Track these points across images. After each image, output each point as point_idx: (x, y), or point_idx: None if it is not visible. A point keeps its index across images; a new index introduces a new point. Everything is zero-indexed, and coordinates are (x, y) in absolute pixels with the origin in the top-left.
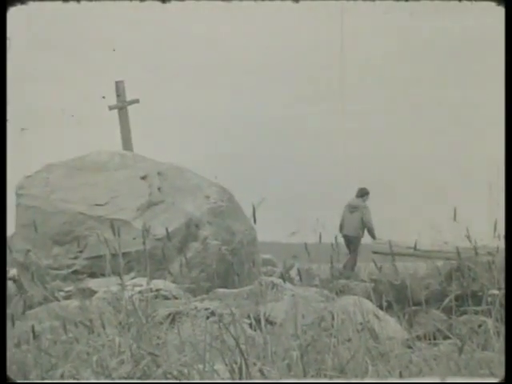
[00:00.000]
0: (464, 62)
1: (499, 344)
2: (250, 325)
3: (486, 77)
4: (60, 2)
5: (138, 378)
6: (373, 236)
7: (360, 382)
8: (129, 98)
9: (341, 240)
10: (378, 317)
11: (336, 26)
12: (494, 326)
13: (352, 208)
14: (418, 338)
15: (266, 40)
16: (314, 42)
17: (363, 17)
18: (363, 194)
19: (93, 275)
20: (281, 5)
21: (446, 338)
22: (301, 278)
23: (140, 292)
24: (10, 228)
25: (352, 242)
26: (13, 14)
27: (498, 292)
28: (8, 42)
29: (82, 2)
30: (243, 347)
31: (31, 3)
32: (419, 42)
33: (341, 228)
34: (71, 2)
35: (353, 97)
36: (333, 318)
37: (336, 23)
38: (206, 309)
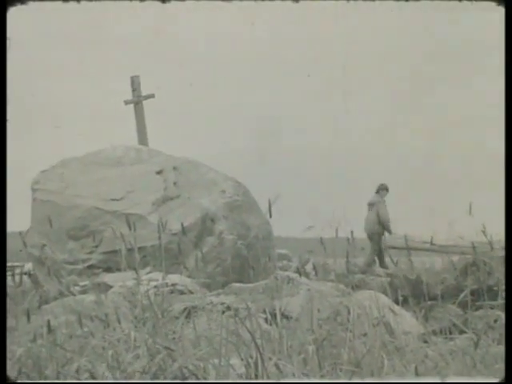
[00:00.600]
0: (464, 62)
1: None
2: (266, 319)
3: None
4: (60, 2)
5: (154, 373)
6: (388, 230)
7: (359, 382)
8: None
9: (357, 235)
10: (393, 311)
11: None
12: None
13: (370, 205)
14: (434, 332)
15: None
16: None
17: (363, 16)
18: (379, 189)
19: (108, 270)
20: (281, 5)
21: (461, 332)
22: (316, 273)
23: (155, 287)
24: (26, 223)
25: (371, 239)
26: (13, 13)
27: None
28: (8, 41)
29: (82, 2)
30: (259, 342)
31: (31, 3)
32: (419, 41)
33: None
34: (71, 2)
35: (366, 96)
36: (349, 313)
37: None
38: (222, 303)
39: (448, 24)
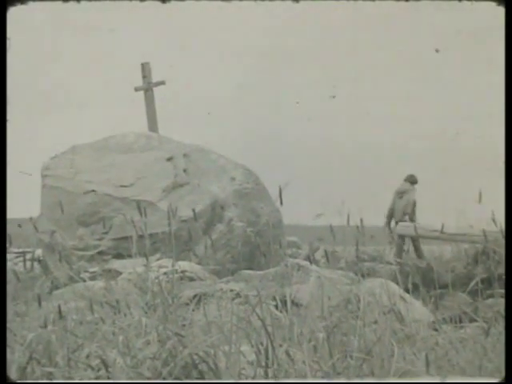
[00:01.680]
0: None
1: None
2: (276, 306)
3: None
4: (60, 2)
5: (164, 359)
6: (410, 218)
7: (360, 382)
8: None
9: (368, 223)
10: (404, 299)
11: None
12: None
13: (400, 193)
14: (444, 320)
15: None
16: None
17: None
18: (407, 178)
19: (118, 256)
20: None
21: (471, 320)
22: (328, 259)
23: (165, 273)
24: (36, 209)
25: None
26: (13, 13)
27: None
28: (8, 42)
29: (82, 2)
30: (269, 329)
31: (31, 3)
32: (419, 41)
33: (390, 215)
34: (71, 2)
35: (376, 84)
36: (359, 301)
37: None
38: (232, 290)
39: (448, 23)
